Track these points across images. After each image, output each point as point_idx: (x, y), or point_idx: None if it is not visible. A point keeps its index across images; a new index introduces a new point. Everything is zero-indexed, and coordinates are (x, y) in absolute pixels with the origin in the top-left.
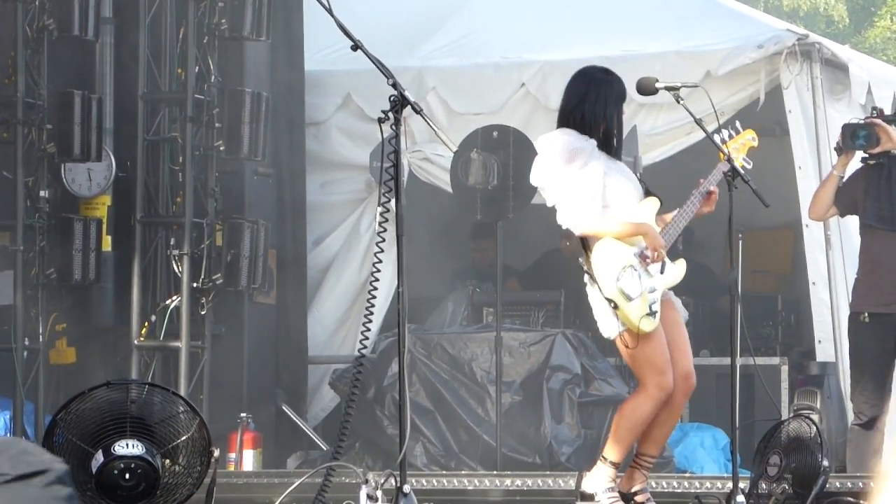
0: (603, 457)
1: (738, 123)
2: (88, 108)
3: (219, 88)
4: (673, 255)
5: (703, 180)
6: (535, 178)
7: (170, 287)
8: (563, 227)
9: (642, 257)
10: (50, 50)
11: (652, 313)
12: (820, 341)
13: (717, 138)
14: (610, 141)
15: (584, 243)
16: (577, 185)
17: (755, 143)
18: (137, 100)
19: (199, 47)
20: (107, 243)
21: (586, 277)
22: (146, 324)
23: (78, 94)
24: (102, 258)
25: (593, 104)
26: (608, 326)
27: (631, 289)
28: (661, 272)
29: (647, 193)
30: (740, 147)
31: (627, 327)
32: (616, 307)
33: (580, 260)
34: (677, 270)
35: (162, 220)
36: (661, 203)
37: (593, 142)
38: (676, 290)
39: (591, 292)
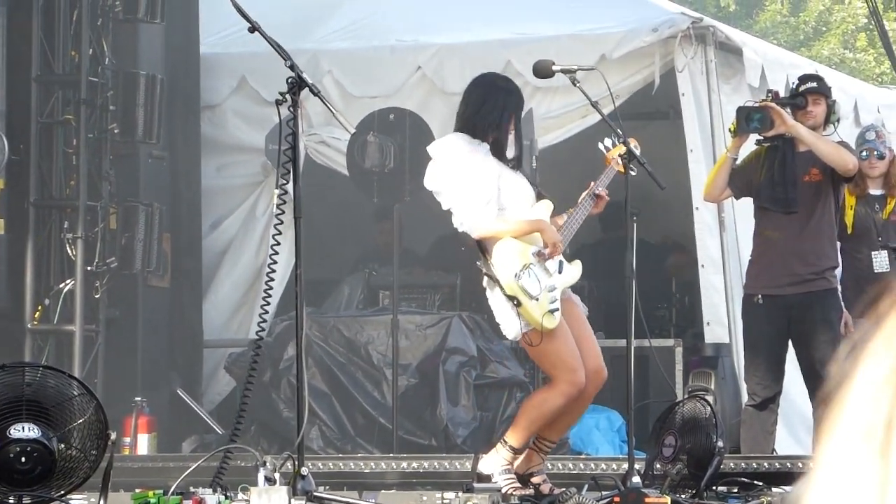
0: (504, 440)
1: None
2: None
3: (113, 71)
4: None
5: (593, 183)
6: (429, 183)
7: (63, 270)
8: (460, 231)
9: (540, 255)
10: None
11: (553, 310)
12: (708, 323)
13: (606, 142)
14: (500, 148)
15: (482, 246)
16: (471, 189)
17: (637, 152)
18: (30, 82)
19: (93, 29)
20: None
21: (486, 280)
22: (40, 307)
23: None
24: None
25: (489, 111)
26: (511, 327)
27: (531, 287)
28: (560, 272)
29: (539, 197)
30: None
31: (532, 326)
32: (519, 304)
33: (478, 263)
34: (574, 270)
35: (56, 203)
36: (554, 206)
37: (485, 146)
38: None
39: (492, 296)
